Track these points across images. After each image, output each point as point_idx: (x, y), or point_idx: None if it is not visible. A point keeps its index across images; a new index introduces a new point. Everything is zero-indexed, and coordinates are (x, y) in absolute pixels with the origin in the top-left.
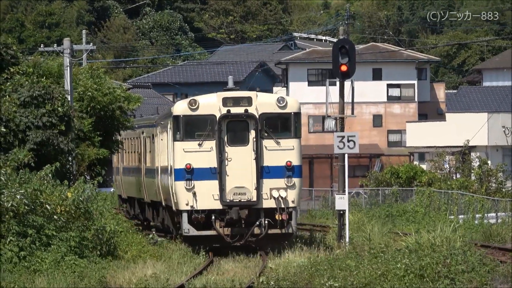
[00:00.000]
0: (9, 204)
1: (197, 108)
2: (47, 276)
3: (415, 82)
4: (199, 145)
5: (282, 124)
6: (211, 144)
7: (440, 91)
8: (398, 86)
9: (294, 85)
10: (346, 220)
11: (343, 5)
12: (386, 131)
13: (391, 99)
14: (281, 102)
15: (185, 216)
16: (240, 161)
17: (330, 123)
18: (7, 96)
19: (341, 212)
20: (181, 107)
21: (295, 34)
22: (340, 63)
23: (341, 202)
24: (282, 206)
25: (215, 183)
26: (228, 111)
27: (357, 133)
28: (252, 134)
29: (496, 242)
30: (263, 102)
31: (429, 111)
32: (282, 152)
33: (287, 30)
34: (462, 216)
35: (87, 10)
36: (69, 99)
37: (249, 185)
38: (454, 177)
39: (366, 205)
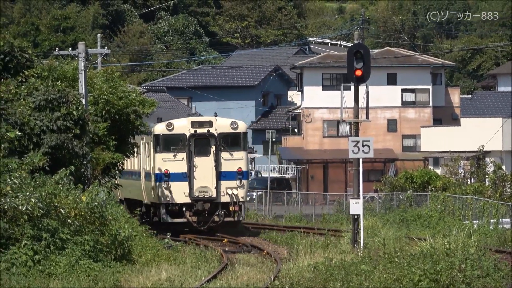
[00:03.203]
0: (24, 208)
1: (173, 129)
2: (61, 280)
3: (430, 87)
4: (174, 156)
5: (234, 141)
6: (182, 155)
7: (455, 96)
8: (412, 91)
9: (309, 90)
10: (360, 224)
11: (358, 9)
12: (400, 135)
13: (405, 104)
14: (234, 124)
15: (163, 208)
16: (204, 168)
17: (344, 128)
18: (22, 100)
19: (356, 216)
20: (160, 128)
21: (310, 38)
22: (355, 67)
23: (356, 206)
24: (235, 200)
25: (185, 184)
26: (195, 131)
27: (372, 138)
28: (213, 148)
29: (511, 248)
30: (221, 124)
31: (443, 116)
32: (234, 161)
33: (302, 35)
34: (477, 221)
35: (101, 14)
36: (83, 102)
37: (210, 185)
38: (469, 182)
39: (380, 209)
